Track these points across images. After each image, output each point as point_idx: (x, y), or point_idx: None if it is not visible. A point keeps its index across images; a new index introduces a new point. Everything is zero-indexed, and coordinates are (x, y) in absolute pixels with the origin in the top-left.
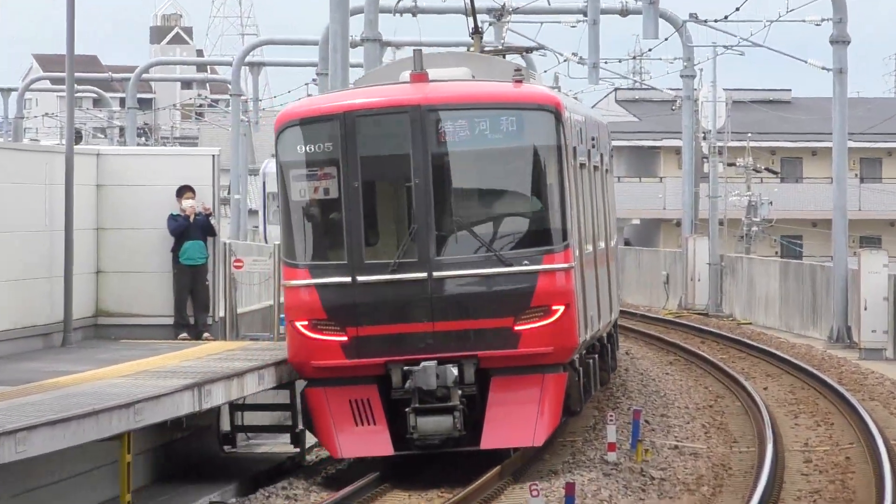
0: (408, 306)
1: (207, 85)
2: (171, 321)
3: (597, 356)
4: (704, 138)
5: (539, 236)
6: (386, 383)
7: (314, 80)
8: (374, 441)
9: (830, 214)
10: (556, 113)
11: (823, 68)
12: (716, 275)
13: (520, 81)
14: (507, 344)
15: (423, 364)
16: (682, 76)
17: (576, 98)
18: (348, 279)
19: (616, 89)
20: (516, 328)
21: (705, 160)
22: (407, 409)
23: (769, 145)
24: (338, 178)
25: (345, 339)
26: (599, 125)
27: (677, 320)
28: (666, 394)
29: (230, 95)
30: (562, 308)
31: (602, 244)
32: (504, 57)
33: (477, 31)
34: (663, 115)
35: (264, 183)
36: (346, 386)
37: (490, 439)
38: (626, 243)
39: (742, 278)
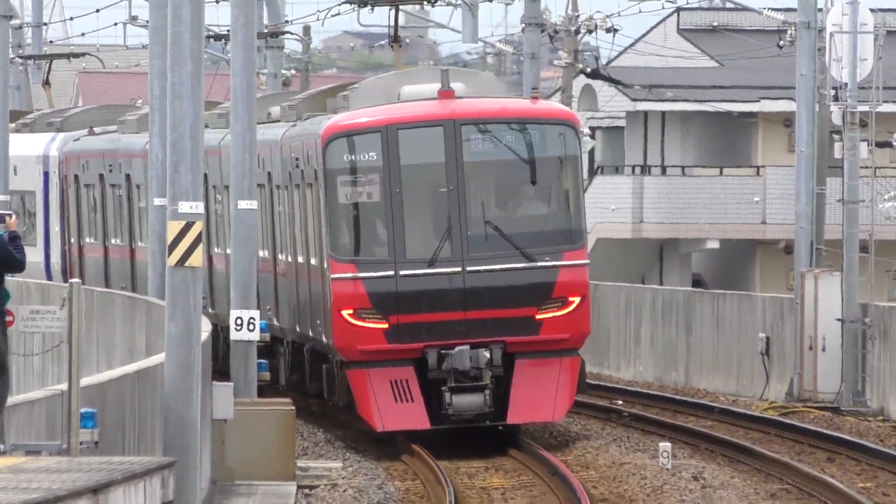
0: (444, 297)
1: None
2: None
3: None
4: (836, 98)
5: (559, 235)
6: (422, 365)
7: None
8: (412, 416)
9: None
10: (574, 127)
11: None
12: (854, 340)
13: (536, 98)
14: (530, 331)
15: (458, 348)
16: None
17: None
18: (391, 272)
19: (679, 10)
20: (538, 317)
21: (837, 137)
22: (443, 388)
23: None
24: (380, 183)
25: (386, 325)
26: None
27: (785, 420)
28: None
29: None
30: (578, 299)
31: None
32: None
33: (396, 40)
34: (763, 56)
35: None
36: (387, 367)
37: (515, 415)
38: (696, 283)
39: None
